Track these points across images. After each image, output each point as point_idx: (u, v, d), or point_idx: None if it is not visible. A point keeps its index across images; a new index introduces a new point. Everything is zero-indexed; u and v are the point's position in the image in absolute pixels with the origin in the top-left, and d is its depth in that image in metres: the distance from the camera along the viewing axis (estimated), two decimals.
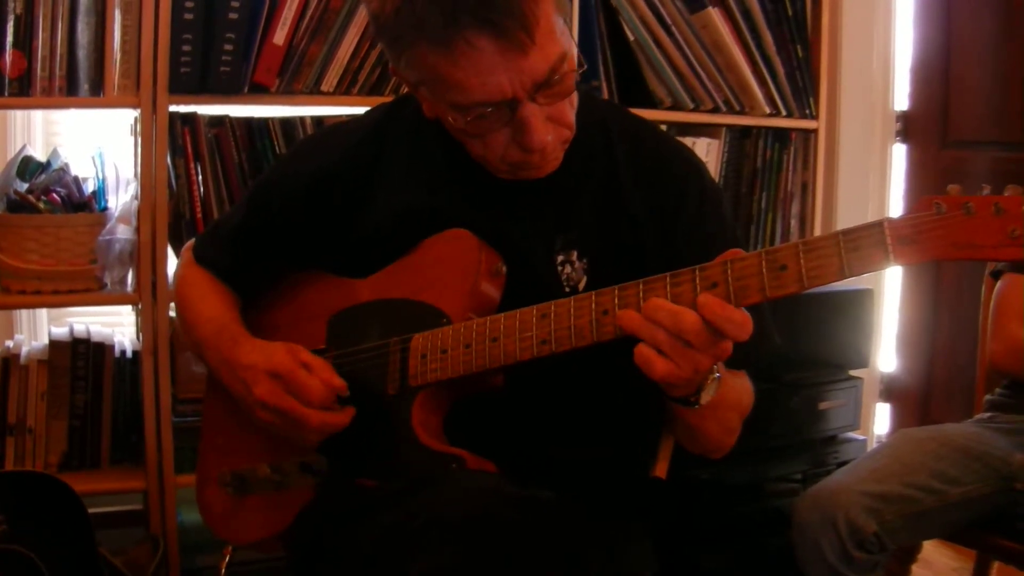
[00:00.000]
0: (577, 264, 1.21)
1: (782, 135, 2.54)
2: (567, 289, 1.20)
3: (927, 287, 2.95)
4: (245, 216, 1.37)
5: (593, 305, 1.04)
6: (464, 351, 1.12)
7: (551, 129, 1.11)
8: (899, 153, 3.00)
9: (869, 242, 0.91)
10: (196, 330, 1.31)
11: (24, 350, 2.11)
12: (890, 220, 0.90)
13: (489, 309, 1.17)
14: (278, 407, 1.16)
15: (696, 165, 1.29)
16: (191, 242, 1.45)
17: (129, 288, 2.08)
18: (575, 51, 1.11)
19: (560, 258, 1.21)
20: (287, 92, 2.07)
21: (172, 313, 2.04)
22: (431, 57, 1.05)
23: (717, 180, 2.13)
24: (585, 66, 1.12)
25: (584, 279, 1.21)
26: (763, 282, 0.95)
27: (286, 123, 2.10)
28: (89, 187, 2.09)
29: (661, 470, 1.25)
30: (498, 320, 1.10)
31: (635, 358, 0.97)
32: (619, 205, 1.23)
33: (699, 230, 1.22)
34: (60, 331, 2.15)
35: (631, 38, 2.30)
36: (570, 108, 1.14)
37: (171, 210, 2.03)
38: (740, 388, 1.18)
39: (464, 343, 1.12)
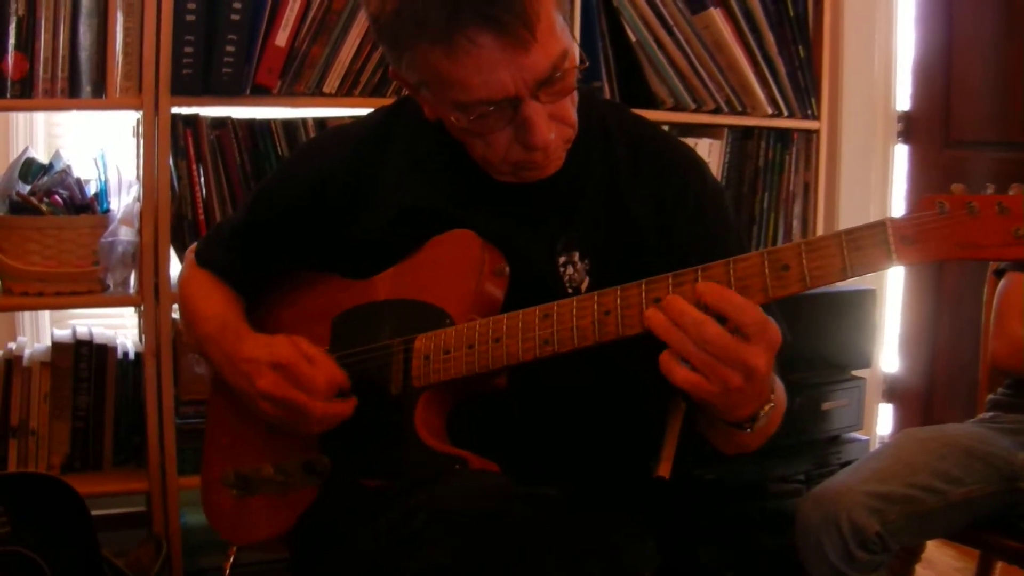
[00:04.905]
0: (579, 265, 1.21)
1: (784, 135, 2.54)
2: (570, 290, 1.20)
3: (929, 287, 2.94)
4: (247, 217, 1.37)
5: (595, 306, 1.03)
6: (467, 352, 1.11)
7: (554, 127, 1.11)
8: (901, 153, 2.99)
9: (872, 242, 0.91)
10: (198, 327, 1.31)
11: (27, 352, 2.11)
12: (893, 220, 0.90)
13: (492, 310, 1.17)
14: (282, 398, 1.16)
15: (697, 164, 1.28)
16: (194, 245, 1.45)
17: (131, 290, 2.09)
18: (576, 48, 1.10)
19: (562, 259, 1.21)
20: (289, 93, 2.07)
21: (174, 315, 2.04)
22: (432, 56, 1.05)
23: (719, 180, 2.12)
24: (588, 62, 1.12)
25: (586, 280, 1.21)
26: (765, 282, 0.95)
27: (288, 124, 2.11)
28: (91, 189, 2.09)
29: (664, 470, 1.24)
30: (501, 321, 1.10)
31: (660, 366, 0.96)
32: (620, 205, 1.22)
33: (700, 229, 1.22)
34: (63, 333, 2.15)
35: (633, 39, 2.30)
36: (572, 106, 1.14)
37: (173, 212, 2.03)
38: (781, 399, 1.16)
39: (467, 344, 1.12)
